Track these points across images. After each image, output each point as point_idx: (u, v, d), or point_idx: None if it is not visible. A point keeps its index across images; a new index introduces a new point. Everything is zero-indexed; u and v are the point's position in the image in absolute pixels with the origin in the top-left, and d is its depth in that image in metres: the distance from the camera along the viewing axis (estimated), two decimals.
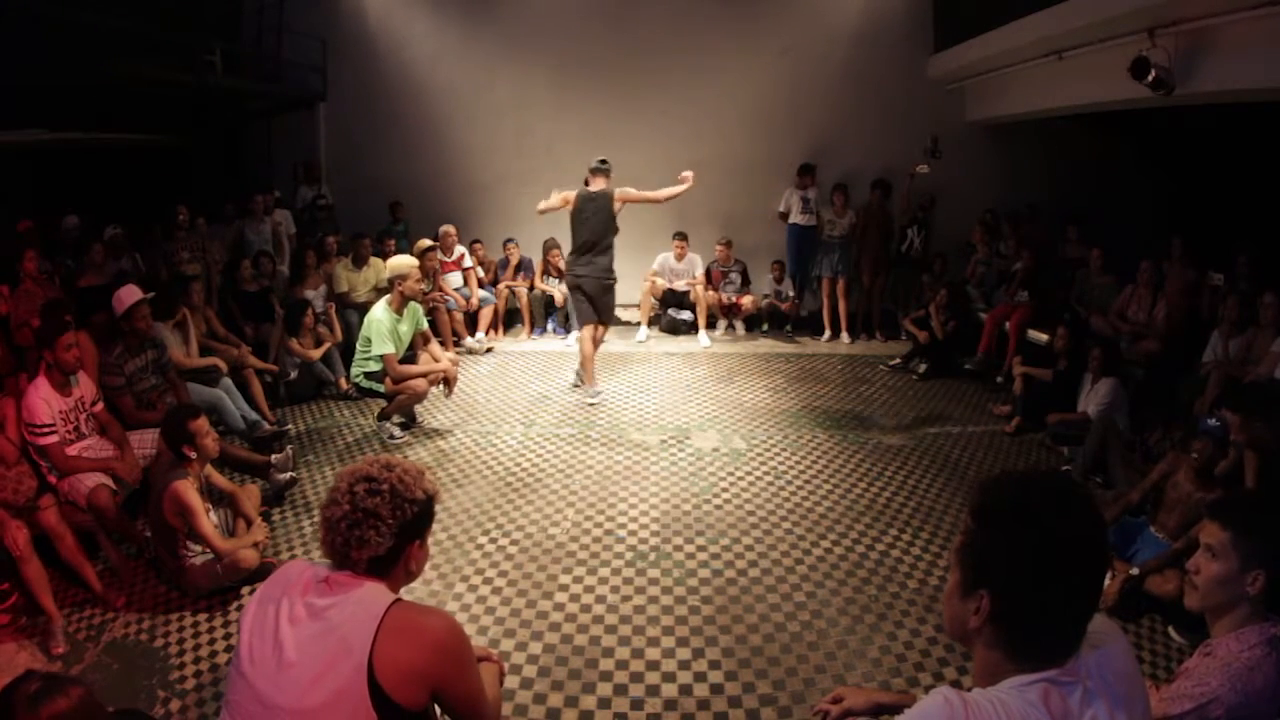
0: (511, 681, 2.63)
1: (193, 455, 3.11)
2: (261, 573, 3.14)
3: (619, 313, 7.97)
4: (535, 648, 2.84)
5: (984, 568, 1.05)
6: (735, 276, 7.58)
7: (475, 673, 1.49)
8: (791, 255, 7.58)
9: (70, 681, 1.69)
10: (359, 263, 6.44)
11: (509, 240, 7.51)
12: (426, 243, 6.37)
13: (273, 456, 4.11)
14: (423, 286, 4.92)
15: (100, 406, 3.67)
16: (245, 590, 3.17)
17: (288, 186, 7.74)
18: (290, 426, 4.98)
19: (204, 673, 2.71)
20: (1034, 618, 1.02)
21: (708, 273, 7.55)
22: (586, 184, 5.34)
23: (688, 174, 5.28)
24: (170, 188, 6.84)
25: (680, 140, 7.97)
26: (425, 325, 5.06)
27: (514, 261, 7.45)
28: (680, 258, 7.35)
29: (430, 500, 1.53)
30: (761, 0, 7.69)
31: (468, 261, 7.12)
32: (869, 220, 7.24)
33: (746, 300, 7.43)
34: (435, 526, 1.59)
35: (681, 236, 7.36)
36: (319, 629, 1.38)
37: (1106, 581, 3.03)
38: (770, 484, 4.17)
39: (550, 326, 7.44)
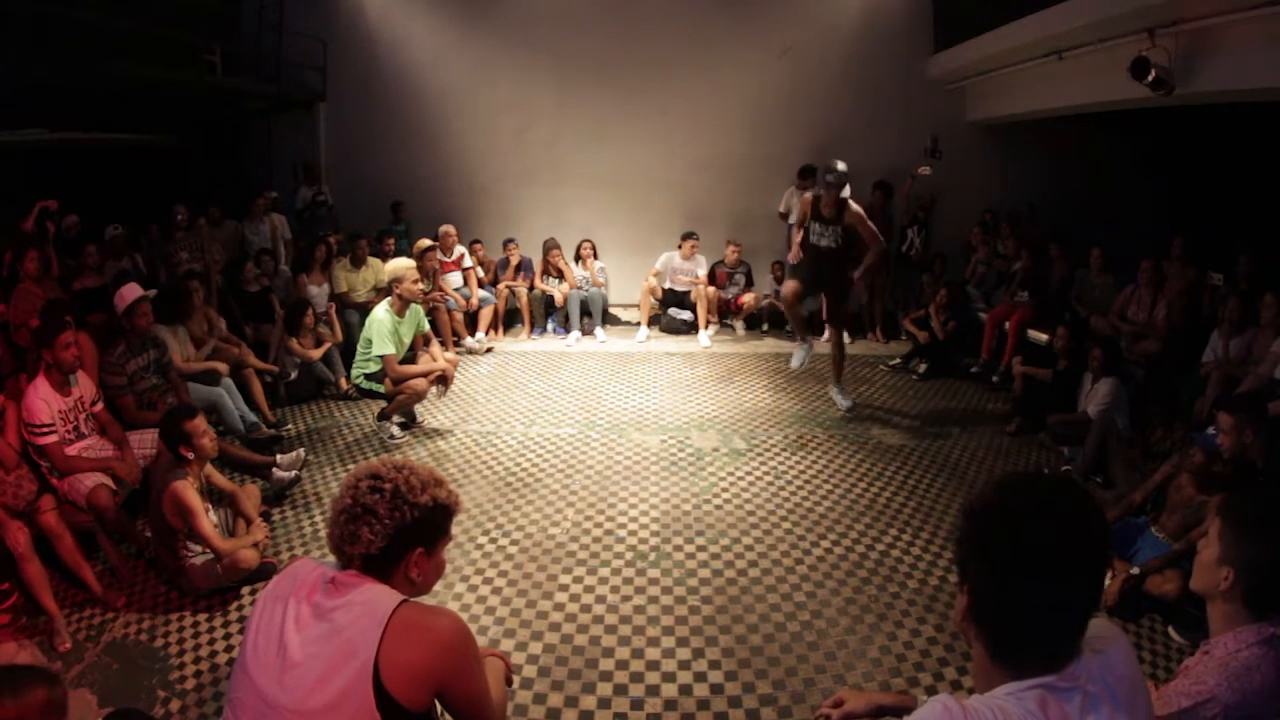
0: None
1: (190, 455, 3.11)
2: (262, 573, 3.15)
3: (619, 313, 8.01)
4: (535, 648, 2.84)
5: (963, 565, 1.07)
6: (740, 278, 7.60)
7: (481, 674, 1.48)
8: None
9: (33, 680, 1.50)
10: (357, 263, 6.45)
11: (509, 240, 7.51)
12: (426, 243, 6.37)
13: (278, 456, 4.12)
14: (421, 287, 4.92)
15: (100, 406, 3.67)
16: (245, 590, 3.17)
17: (288, 187, 7.73)
18: (290, 427, 4.99)
19: (204, 673, 2.71)
20: (1003, 620, 1.02)
21: (713, 272, 7.55)
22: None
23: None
24: (170, 188, 6.85)
25: (680, 139, 7.99)
26: (427, 327, 5.07)
27: (514, 262, 7.45)
28: (688, 257, 7.34)
29: (437, 510, 1.49)
30: (762, 0, 7.70)
31: (467, 261, 7.12)
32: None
33: (747, 298, 7.43)
34: None
35: (693, 237, 7.34)
36: (325, 630, 1.38)
37: (1106, 582, 3.03)
38: (770, 484, 4.16)
39: (550, 326, 7.44)
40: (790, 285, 5.34)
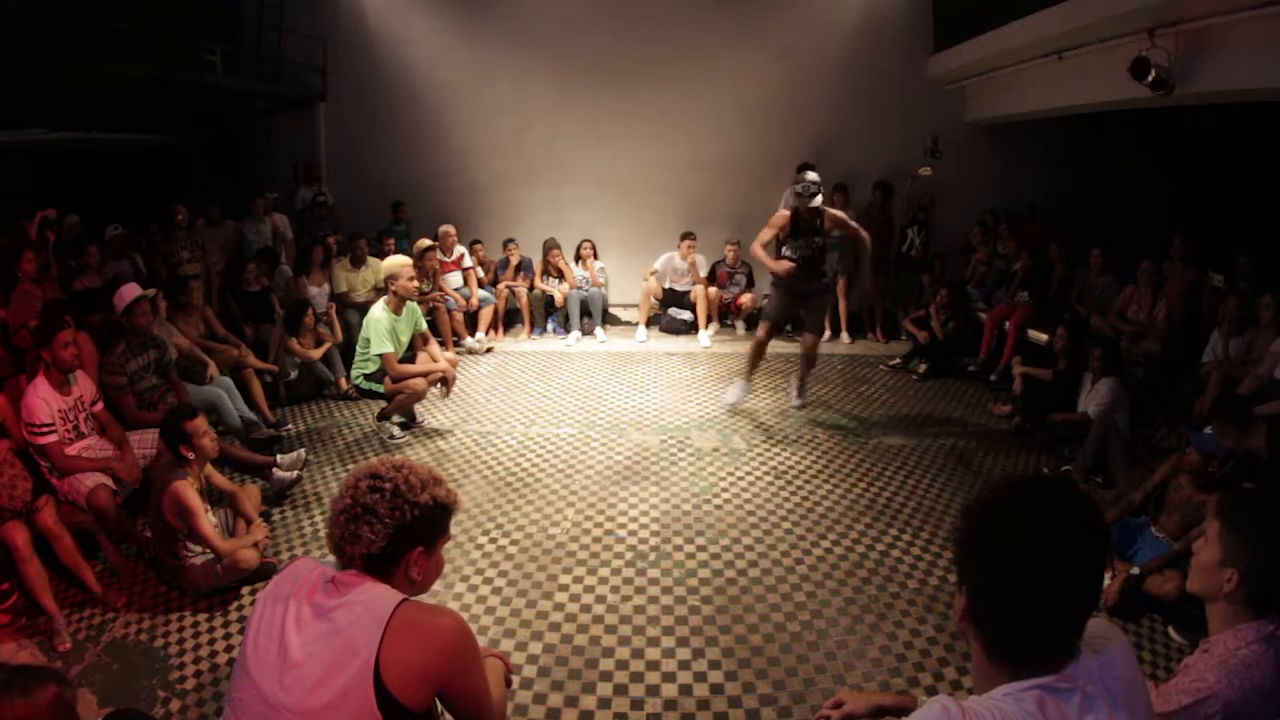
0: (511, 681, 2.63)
1: (190, 455, 3.11)
2: (262, 573, 3.15)
3: (619, 313, 8.01)
4: (535, 648, 2.84)
5: (962, 565, 1.07)
6: (740, 278, 7.60)
7: (481, 673, 1.49)
8: None
9: (42, 680, 1.51)
10: (357, 263, 6.45)
11: (509, 240, 7.51)
12: (426, 243, 6.37)
13: (279, 456, 4.12)
14: (416, 285, 4.90)
15: (100, 406, 3.67)
16: (245, 590, 3.17)
17: (288, 187, 7.74)
18: (289, 427, 4.99)
19: (204, 673, 2.71)
20: (1002, 620, 1.03)
21: (713, 273, 7.56)
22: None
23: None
24: (170, 188, 6.84)
25: (680, 139, 7.99)
26: (424, 326, 5.05)
27: (514, 262, 7.45)
28: (686, 257, 7.34)
29: (437, 508, 1.50)
30: (762, 1, 7.70)
31: (467, 261, 7.12)
32: (869, 221, 7.23)
33: (746, 299, 7.43)
34: None
35: (690, 237, 7.36)
36: (325, 630, 1.38)
37: (1106, 582, 3.03)
38: (770, 484, 4.16)
39: (550, 327, 7.44)
40: (763, 328, 5.13)
